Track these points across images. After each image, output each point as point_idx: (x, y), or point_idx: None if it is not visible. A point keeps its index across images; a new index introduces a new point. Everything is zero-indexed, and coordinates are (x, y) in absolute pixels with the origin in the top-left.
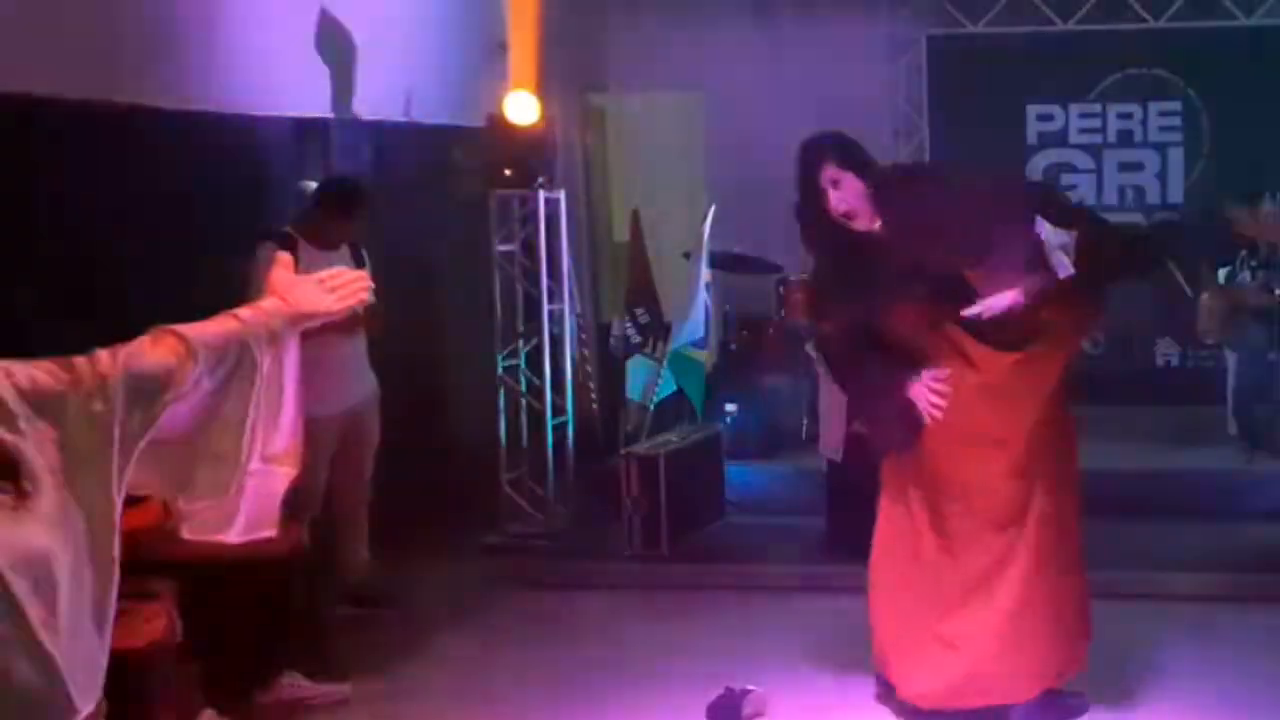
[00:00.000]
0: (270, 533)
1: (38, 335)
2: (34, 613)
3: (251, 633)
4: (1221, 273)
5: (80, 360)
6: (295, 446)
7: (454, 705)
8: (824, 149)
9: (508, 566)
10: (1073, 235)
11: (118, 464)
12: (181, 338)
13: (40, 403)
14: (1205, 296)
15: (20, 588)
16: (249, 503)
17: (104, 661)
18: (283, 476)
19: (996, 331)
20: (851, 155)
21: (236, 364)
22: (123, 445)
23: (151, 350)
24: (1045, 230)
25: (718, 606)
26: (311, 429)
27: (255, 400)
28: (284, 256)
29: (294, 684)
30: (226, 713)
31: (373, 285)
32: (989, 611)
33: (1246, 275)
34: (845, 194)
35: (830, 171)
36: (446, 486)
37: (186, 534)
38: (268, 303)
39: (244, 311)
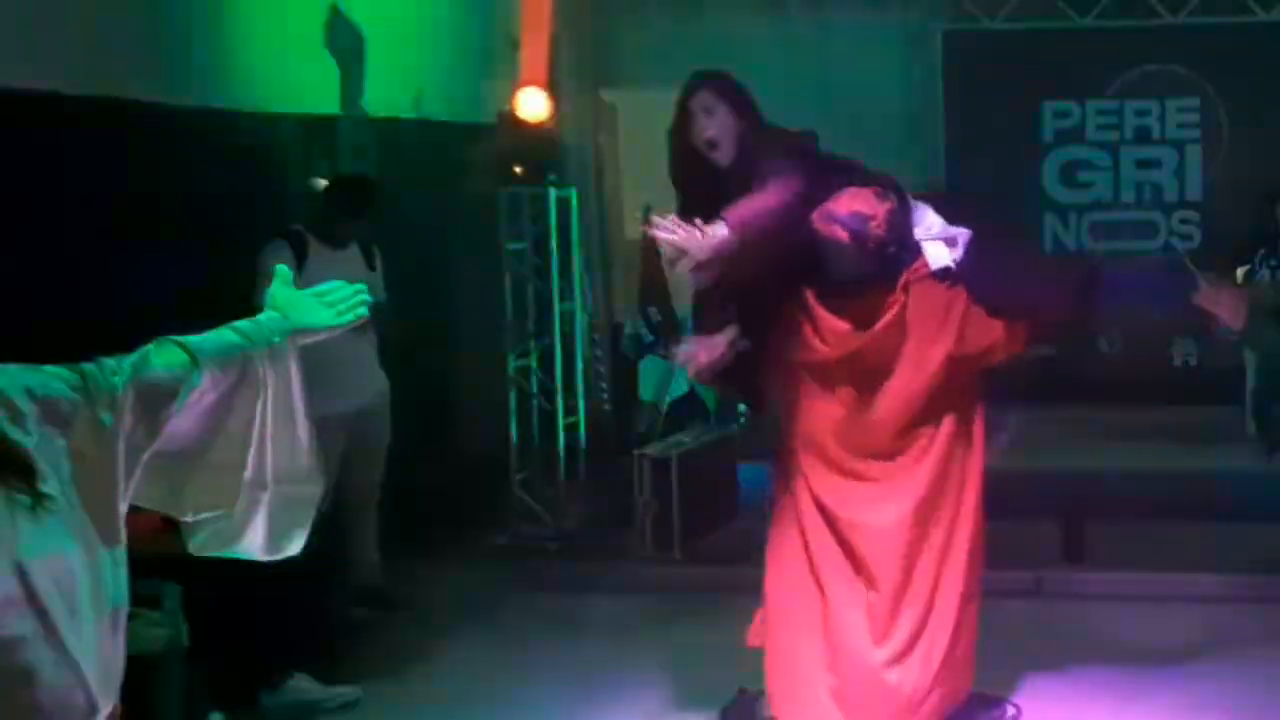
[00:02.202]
0: (295, 550)
1: (40, 334)
2: (57, 613)
3: (259, 635)
4: (1240, 271)
5: (89, 368)
6: (314, 463)
7: (464, 708)
8: (707, 75)
9: (518, 568)
10: (961, 232)
11: (124, 474)
12: (186, 349)
13: (50, 410)
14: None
15: (44, 588)
16: (270, 521)
17: (121, 664)
18: (309, 496)
19: (850, 306)
20: (733, 91)
21: (239, 377)
22: (128, 456)
23: (157, 360)
24: (926, 219)
25: (731, 609)
26: (320, 428)
27: (259, 413)
28: (283, 271)
29: (302, 686)
30: (235, 716)
31: (382, 284)
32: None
33: (1265, 273)
34: (715, 122)
35: (705, 98)
36: (457, 487)
37: (193, 550)
38: (267, 316)
39: (244, 324)
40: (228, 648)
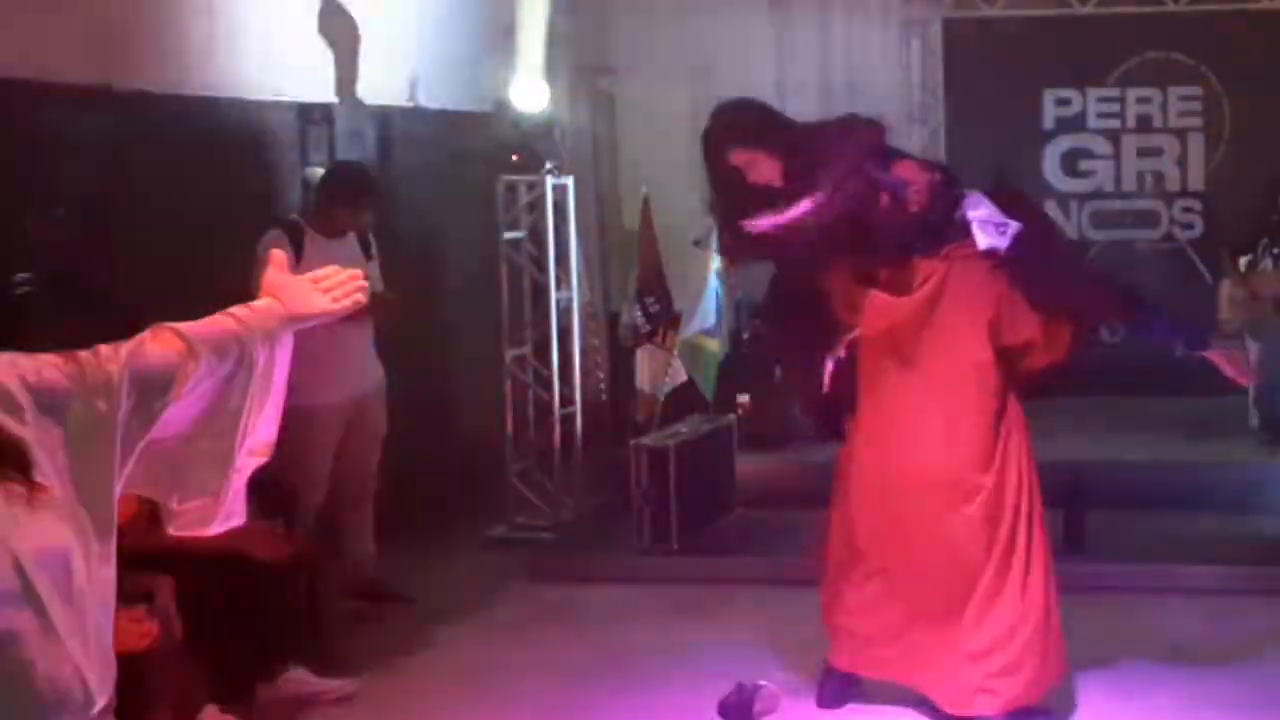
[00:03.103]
0: (239, 522)
1: (38, 323)
2: (54, 606)
3: (255, 627)
4: (1243, 261)
5: (85, 356)
6: (273, 438)
7: (460, 700)
8: (729, 128)
9: (514, 559)
10: (1012, 224)
11: (118, 463)
12: (182, 336)
13: (46, 400)
14: (1226, 285)
15: (41, 581)
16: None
17: (114, 656)
18: (253, 465)
19: (891, 277)
20: (760, 130)
21: (235, 365)
22: (124, 445)
23: (153, 348)
24: (979, 204)
25: (729, 601)
26: (316, 418)
27: (250, 400)
28: (277, 255)
29: (298, 679)
30: (229, 708)
31: (380, 274)
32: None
33: (1268, 263)
34: (760, 169)
35: (741, 153)
36: (452, 478)
37: (172, 531)
38: (262, 303)
39: (240, 311)
40: (223, 641)
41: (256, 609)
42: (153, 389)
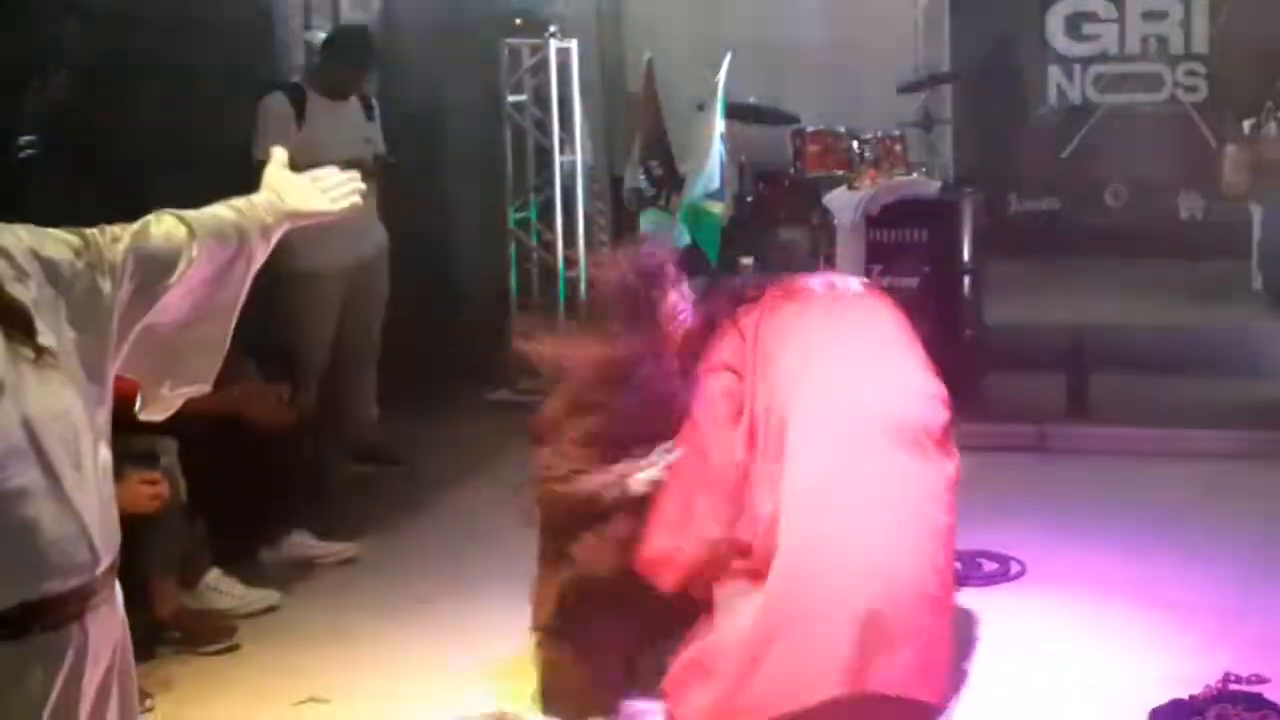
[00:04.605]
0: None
1: (42, 186)
2: (61, 466)
3: (257, 491)
4: (1247, 124)
5: (92, 234)
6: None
7: (460, 562)
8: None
9: (517, 423)
10: None
11: (115, 342)
12: (185, 222)
13: (52, 272)
14: (1230, 149)
15: (49, 440)
16: None
17: (118, 518)
18: None
19: None
20: None
21: (234, 254)
22: (122, 325)
23: (156, 231)
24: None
25: None
26: (318, 280)
27: (245, 291)
28: (279, 153)
29: (300, 542)
30: (233, 571)
31: (381, 136)
32: None
33: (1273, 127)
34: None
35: None
36: (455, 341)
37: (143, 417)
38: (262, 197)
39: (240, 202)
40: (226, 504)
41: (259, 473)
42: (155, 271)
